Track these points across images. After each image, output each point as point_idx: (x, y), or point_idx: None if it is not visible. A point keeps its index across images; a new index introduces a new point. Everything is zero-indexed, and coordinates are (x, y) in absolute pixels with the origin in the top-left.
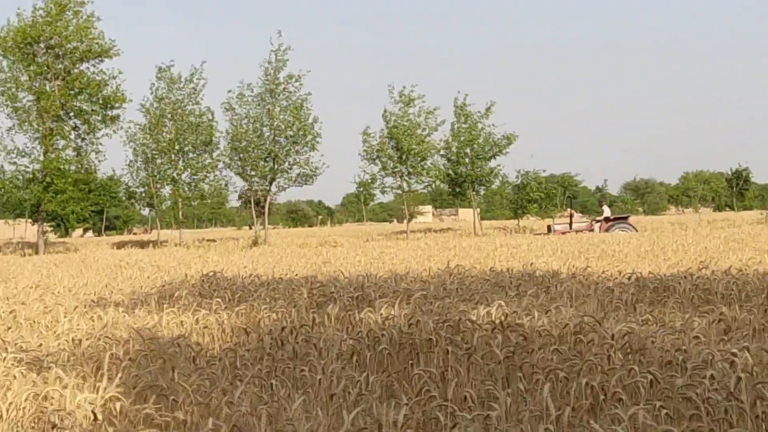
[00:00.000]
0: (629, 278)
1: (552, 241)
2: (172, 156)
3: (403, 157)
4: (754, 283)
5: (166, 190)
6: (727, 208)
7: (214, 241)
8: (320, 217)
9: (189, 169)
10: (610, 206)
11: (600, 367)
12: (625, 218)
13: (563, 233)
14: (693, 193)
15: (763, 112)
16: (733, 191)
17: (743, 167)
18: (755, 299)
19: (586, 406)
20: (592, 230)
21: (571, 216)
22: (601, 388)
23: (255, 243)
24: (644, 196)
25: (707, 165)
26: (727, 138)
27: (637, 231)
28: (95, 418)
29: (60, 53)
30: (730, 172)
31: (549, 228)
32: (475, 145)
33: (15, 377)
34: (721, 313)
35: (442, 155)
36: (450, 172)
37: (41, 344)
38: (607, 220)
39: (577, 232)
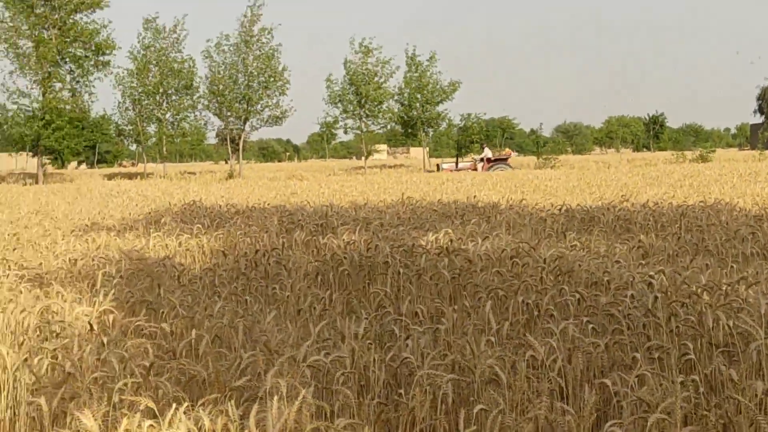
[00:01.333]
0: (560, 210)
1: (492, 177)
2: (157, 98)
3: (362, 101)
4: (669, 214)
5: (152, 128)
6: (645, 149)
7: (194, 173)
8: (288, 153)
9: (172, 110)
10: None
11: (534, 287)
12: (504, 159)
13: (450, 171)
14: (615, 136)
15: (679, 64)
16: (650, 134)
17: (659, 113)
18: (669, 228)
19: (523, 320)
20: (475, 169)
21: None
22: (535, 305)
23: (230, 176)
24: (572, 138)
25: (628, 111)
26: (646, 87)
27: (513, 168)
28: (91, 329)
29: (56, 5)
30: (647, 117)
31: (438, 166)
32: (424, 91)
33: (21, 292)
34: (640, 241)
35: (396, 100)
36: (403, 115)
37: (41, 263)
38: (488, 160)
39: (461, 170)
